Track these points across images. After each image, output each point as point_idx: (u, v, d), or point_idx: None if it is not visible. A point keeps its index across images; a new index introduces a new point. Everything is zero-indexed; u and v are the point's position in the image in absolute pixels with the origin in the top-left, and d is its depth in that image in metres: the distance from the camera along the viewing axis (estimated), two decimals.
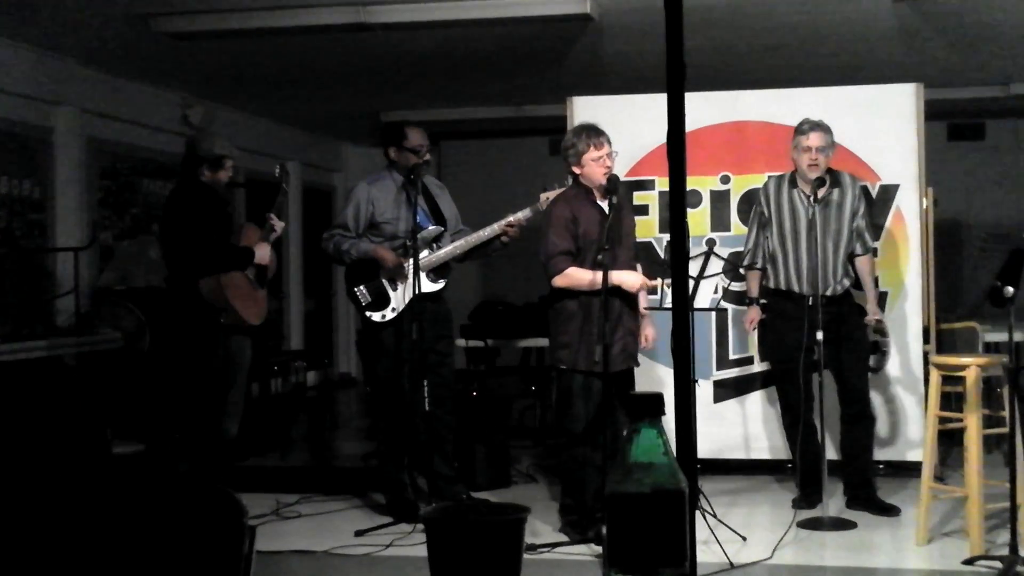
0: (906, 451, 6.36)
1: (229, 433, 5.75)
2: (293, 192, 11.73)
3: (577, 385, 5.09)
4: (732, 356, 6.58)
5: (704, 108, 6.46)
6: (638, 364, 5.35)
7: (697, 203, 6.57)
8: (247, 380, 6.02)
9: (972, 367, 4.79)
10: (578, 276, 5.04)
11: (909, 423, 6.34)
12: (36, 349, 6.77)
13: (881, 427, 6.16)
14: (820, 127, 5.62)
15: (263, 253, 5.71)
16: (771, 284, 5.81)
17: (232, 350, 5.71)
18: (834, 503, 5.59)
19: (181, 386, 5.86)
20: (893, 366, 6.34)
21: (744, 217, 6.35)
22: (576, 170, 5.18)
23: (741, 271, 6.08)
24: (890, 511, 5.55)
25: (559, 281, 5.09)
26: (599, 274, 4.85)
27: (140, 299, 7.79)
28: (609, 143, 5.15)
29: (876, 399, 6.07)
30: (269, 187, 5.97)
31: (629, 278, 5.10)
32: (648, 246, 6.49)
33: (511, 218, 5.59)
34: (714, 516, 5.10)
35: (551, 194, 5.42)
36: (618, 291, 5.06)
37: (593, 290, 4.95)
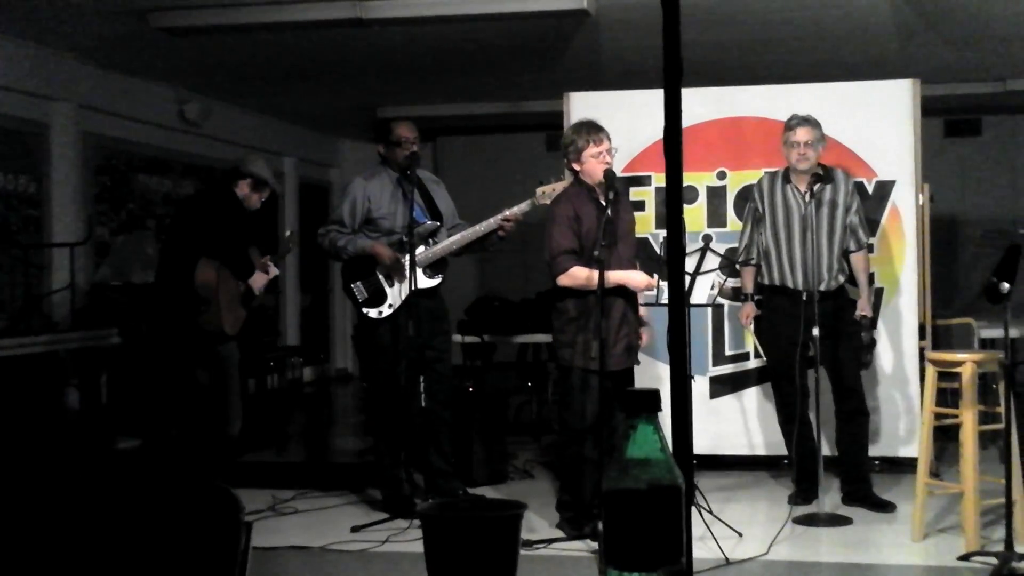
0: (901, 447, 6.37)
1: (232, 433, 5.77)
2: (290, 187, 11.73)
3: (578, 382, 5.07)
4: (728, 352, 6.59)
5: (701, 104, 6.46)
6: (639, 362, 5.34)
7: (693, 199, 6.57)
8: (239, 378, 6.06)
9: (968, 363, 4.79)
10: (582, 275, 5.01)
11: (904, 419, 6.35)
12: (32, 345, 6.77)
13: (876, 423, 6.17)
14: (808, 122, 5.63)
15: (258, 279, 5.96)
16: (765, 280, 5.81)
17: (223, 356, 5.73)
18: (830, 499, 5.60)
19: (174, 383, 5.88)
20: (888, 362, 6.35)
21: (740, 213, 6.35)
22: (576, 167, 5.16)
23: (737, 267, 6.08)
24: (886, 507, 5.56)
25: (564, 280, 5.06)
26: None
27: (136, 295, 7.79)
28: (608, 139, 5.15)
29: (871, 395, 6.08)
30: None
31: (634, 278, 5.09)
32: (645, 242, 6.49)
33: (508, 213, 5.58)
34: (710, 512, 5.10)
35: (548, 189, 5.41)
36: (622, 289, 5.05)
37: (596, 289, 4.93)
